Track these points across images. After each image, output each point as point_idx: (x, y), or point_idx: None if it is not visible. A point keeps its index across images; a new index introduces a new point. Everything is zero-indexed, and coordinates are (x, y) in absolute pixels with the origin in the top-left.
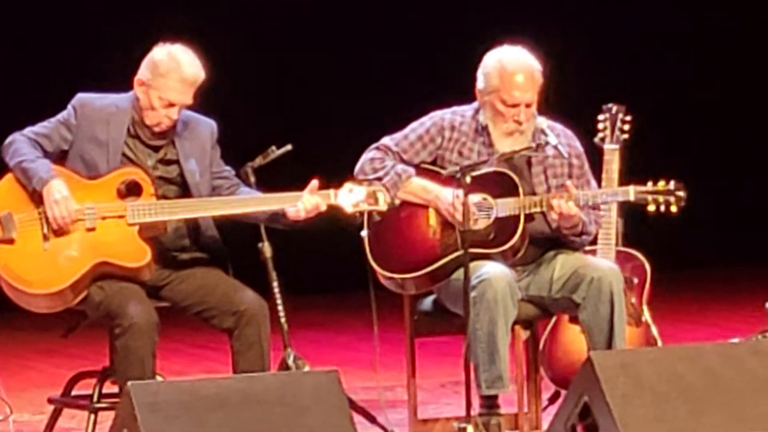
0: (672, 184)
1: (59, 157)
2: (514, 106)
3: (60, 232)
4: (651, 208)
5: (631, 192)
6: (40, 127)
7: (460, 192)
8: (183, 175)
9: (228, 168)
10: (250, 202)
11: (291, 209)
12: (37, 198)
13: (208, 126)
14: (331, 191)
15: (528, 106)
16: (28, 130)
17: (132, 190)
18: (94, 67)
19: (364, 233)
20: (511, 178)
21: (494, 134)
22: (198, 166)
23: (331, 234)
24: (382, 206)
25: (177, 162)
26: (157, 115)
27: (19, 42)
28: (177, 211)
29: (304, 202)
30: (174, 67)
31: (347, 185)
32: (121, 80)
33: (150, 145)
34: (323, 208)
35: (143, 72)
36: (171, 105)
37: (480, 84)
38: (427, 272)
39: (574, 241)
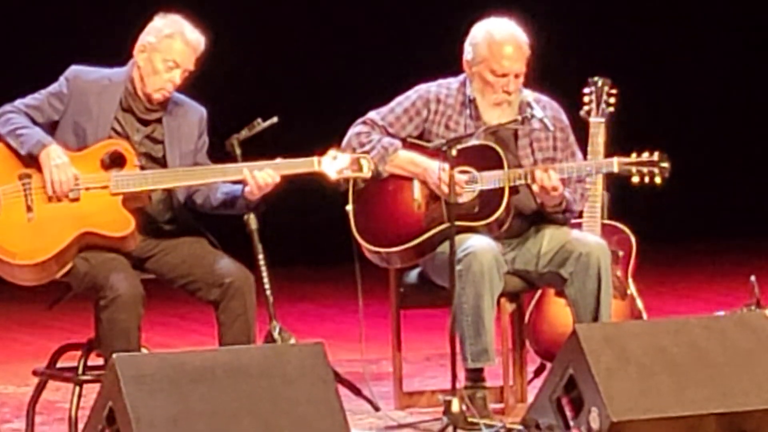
0: (656, 155)
1: (49, 129)
2: (504, 75)
3: (56, 197)
4: (635, 179)
5: (615, 164)
6: (31, 99)
7: (446, 165)
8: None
9: (210, 163)
10: (233, 170)
11: (247, 188)
12: (26, 164)
13: (198, 112)
14: (315, 158)
15: (517, 76)
16: (19, 102)
17: (116, 160)
18: (83, 47)
19: (348, 207)
20: (496, 151)
21: (482, 106)
22: (181, 149)
23: (317, 206)
24: (366, 173)
25: (163, 142)
26: (159, 80)
27: (7, 21)
28: (160, 182)
29: (255, 177)
30: (179, 30)
31: (331, 152)
32: (110, 60)
33: (141, 119)
34: (277, 179)
35: (145, 38)
36: (175, 66)
37: (468, 55)
38: (412, 246)
39: (558, 218)
